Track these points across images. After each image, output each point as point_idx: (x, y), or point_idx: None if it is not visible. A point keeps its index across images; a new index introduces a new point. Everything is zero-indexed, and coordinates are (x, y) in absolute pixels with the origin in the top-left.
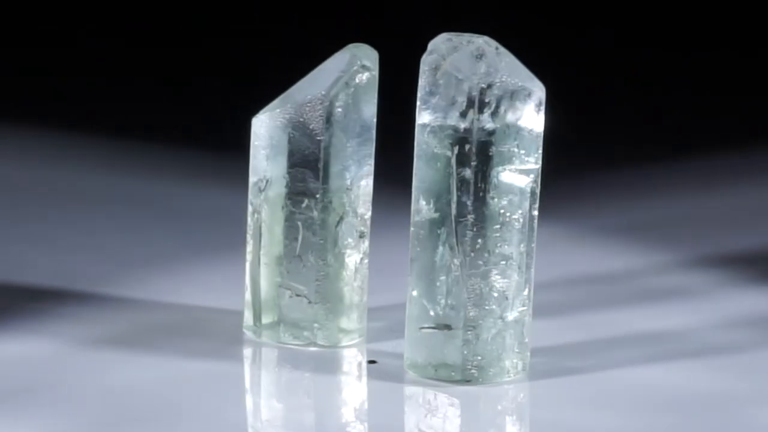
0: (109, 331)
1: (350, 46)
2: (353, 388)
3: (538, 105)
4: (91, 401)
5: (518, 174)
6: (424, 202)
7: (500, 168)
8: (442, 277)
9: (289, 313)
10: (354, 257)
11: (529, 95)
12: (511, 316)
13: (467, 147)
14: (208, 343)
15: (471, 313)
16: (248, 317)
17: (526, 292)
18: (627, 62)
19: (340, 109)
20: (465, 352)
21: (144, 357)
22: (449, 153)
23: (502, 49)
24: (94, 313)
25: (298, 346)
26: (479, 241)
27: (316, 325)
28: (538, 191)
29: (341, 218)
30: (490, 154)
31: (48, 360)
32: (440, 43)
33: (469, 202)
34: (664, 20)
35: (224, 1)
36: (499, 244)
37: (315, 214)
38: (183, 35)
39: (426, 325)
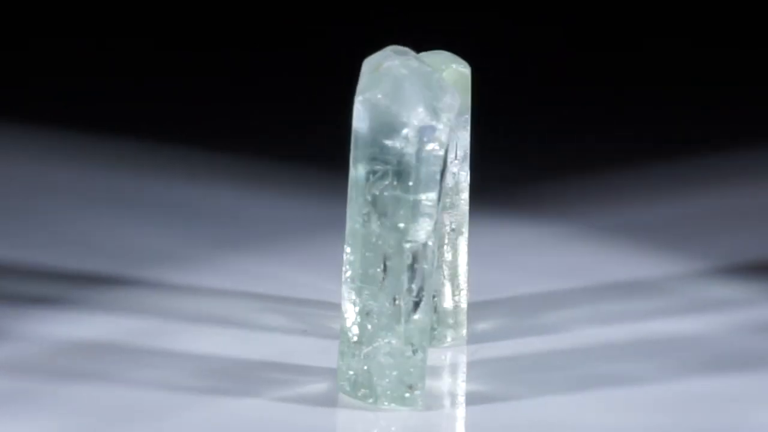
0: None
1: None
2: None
3: (438, 144)
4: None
5: (393, 202)
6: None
7: (375, 191)
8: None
9: None
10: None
11: (430, 131)
12: (381, 340)
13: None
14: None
15: (349, 327)
16: None
17: (405, 323)
18: (629, 62)
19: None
20: (340, 363)
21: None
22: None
23: (432, 80)
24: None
25: None
26: (352, 258)
27: None
28: (426, 226)
29: None
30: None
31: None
32: (379, 55)
33: (350, 216)
34: (665, 18)
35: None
36: (368, 267)
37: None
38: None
39: None
